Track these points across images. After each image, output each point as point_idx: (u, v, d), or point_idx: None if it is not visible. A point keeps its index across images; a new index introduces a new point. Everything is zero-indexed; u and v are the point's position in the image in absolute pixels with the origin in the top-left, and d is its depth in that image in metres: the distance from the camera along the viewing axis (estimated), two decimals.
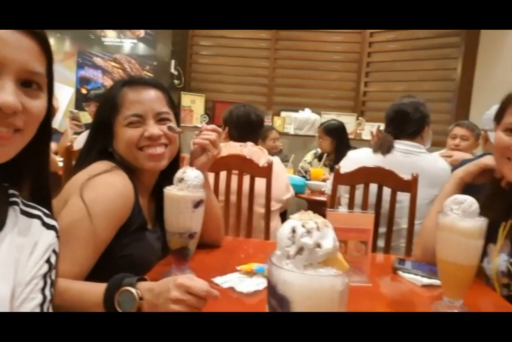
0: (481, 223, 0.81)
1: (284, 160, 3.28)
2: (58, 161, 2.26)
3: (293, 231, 0.45)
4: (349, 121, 4.28)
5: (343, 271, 0.45)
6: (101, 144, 1.01)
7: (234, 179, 1.88)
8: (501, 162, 1.09)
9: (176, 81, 4.21)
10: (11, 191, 0.62)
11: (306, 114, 4.15)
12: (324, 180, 2.94)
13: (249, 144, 2.05)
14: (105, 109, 1.02)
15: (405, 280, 1.08)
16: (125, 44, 4.10)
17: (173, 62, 4.06)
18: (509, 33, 3.25)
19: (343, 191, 1.90)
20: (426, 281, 1.05)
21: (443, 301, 0.86)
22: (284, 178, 2.15)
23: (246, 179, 1.87)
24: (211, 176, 1.87)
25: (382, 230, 1.73)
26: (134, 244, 0.95)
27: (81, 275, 0.85)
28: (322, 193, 2.66)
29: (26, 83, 0.56)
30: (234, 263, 1.05)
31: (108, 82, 4.12)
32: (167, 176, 1.01)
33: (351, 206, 1.76)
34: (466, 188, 1.48)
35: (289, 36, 4.41)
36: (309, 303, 0.43)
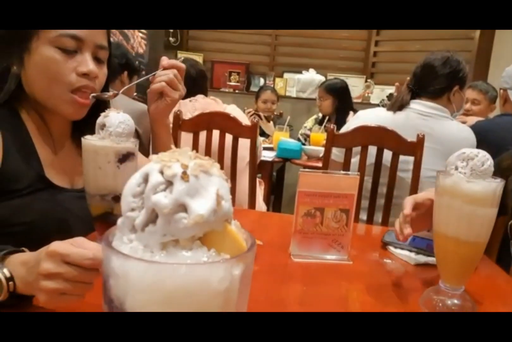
0: (495, 185, 0.60)
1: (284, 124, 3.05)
2: None
3: (146, 181, 0.24)
4: (357, 84, 3.99)
5: (235, 254, 0.25)
6: (6, 60, 0.77)
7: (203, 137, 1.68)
8: None
9: (171, 39, 3.92)
10: None
11: (310, 75, 3.85)
12: (324, 146, 2.72)
13: (200, 97, 1.86)
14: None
15: (395, 257, 0.88)
16: None
17: None
18: None
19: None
20: (422, 259, 0.85)
21: (439, 287, 0.66)
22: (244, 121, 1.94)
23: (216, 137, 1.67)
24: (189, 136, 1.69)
25: (381, 201, 1.52)
26: (35, 208, 0.75)
27: None
28: (320, 159, 2.44)
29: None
30: None
31: None
32: (87, 123, 0.81)
33: (345, 170, 1.55)
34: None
35: None
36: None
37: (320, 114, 3.16)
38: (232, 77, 4.09)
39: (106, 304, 0.25)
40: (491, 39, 3.42)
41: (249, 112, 1.71)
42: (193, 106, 1.79)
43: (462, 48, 3.59)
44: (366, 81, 4.00)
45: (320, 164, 2.33)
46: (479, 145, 1.60)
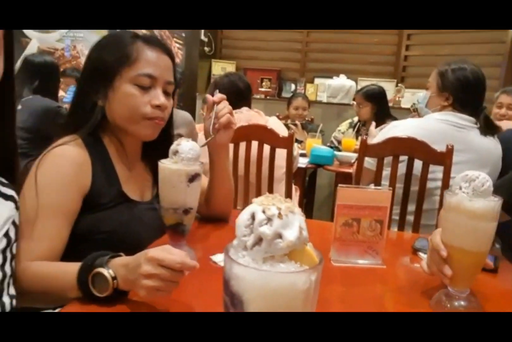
0: (493, 203, 0.70)
1: (315, 130, 3.16)
2: None
3: (252, 216, 0.37)
4: (388, 88, 4.02)
5: (311, 267, 0.37)
6: (94, 96, 0.94)
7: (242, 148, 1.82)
8: None
9: (206, 49, 4.09)
10: None
11: (341, 81, 3.94)
12: (356, 151, 2.80)
13: (244, 109, 1.99)
14: (111, 56, 0.92)
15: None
16: None
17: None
18: None
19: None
20: None
21: (447, 291, 0.77)
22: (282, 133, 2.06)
23: (255, 148, 1.80)
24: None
25: (412, 208, 1.61)
26: (116, 219, 0.90)
27: (52, 250, 0.81)
28: (352, 165, 2.54)
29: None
30: None
31: None
32: (155, 146, 0.97)
33: (377, 179, 1.65)
34: None
35: None
36: (265, 303, 0.36)
37: (355, 119, 3.24)
38: (264, 83, 4.22)
39: (228, 297, 0.38)
40: None
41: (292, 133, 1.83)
42: (238, 118, 1.92)
43: (494, 52, 3.60)
44: (396, 85, 4.04)
45: (351, 170, 2.43)
46: (505, 154, 1.66)
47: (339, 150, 2.93)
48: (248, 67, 4.28)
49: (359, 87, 3.92)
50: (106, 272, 0.67)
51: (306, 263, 0.37)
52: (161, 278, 0.64)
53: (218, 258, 0.90)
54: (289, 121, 3.33)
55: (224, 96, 1.04)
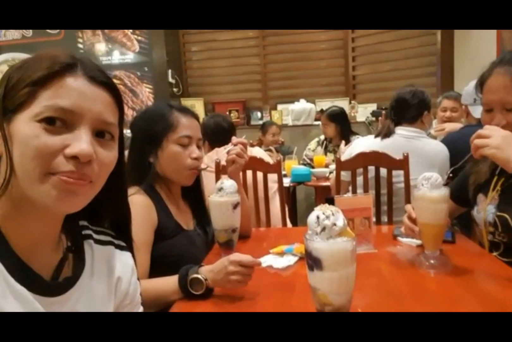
0: (444, 192, 1.09)
1: (288, 152, 3.55)
2: None
3: (317, 217, 0.72)
4: (343, 106, 4.51)
5: (351, 238, 0.73)
6: (147, 156, 1.23)
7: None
8: None
9: (175, 89, 4.45)
10: (81, 223, 0.68)
11: (302, 104, 4.39)
12: (326, 165, 3.21)
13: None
14: (158, 125, 1.23)
15: (403, 243, 1.36)
16: (122, 61, 4.32)
17: (169, 71, 4.29)
18: None
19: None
20: (420, 242, 1.32)
21: (425, 254, 1.15)
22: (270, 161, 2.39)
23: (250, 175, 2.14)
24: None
25: (385, 208, 1.99)
26: (179, 245, 1.21)
27: (143, 272, 1.09)
28: (327, 179, 2.92)
29: (100, 134, 0.58)
30: (266, 247, 1.32)
31: None
32: (189, 188, 1.32)
33: (354, 188, 2.03)
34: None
35: (275, 32, 4.63)
36: (332, 260, 0.71)
37: (321, 137, 3.63)
38: (232, 114, 4.61)
39: (311, 260, 0.71)
40: (451, 53, 3.97)
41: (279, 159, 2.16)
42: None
43: (428, 63, 4.16)
44: (350, 102, 4.54)
45: (327, 183, 2.81)
46: (450, 154, 2.08)
47: (312, 166, 3.32)
48: (215, 101, 4.67)
49: (318, 108, 4.40)
50: (200, 276, 0.98)
51: (349, 237, 0.72)
52: (240, 274, 0.96)
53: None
54: (262, 147, 3.71)
55: (242, 140, 1.38)
